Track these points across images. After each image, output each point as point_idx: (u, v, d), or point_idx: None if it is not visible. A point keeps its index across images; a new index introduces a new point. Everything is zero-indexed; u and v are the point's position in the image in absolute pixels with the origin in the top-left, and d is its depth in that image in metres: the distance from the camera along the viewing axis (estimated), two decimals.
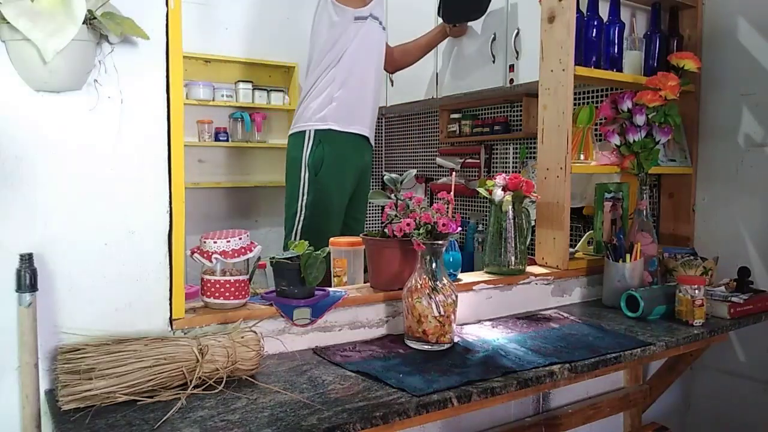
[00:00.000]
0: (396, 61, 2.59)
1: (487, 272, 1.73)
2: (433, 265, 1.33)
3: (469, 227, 3.00)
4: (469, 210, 3.21)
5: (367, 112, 2.25)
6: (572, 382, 1.47)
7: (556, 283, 1.80)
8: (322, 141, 2.15)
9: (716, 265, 1.89)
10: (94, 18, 1.03)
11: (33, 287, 1.04)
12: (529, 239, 1.77)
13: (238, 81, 3.57)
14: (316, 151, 2.15)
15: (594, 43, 1.89)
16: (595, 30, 1.89)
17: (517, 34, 2.40)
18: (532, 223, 1.84)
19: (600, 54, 1.91)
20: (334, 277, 1.61)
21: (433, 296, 1.31)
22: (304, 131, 2.17)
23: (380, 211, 1.69)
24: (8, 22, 0.97)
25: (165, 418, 0.97)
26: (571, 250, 1.92)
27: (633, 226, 1.87)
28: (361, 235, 1.55)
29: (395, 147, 3.89)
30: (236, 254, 1.27)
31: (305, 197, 2.16)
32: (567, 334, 1.49)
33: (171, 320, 1.20)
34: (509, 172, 2.90)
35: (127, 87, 1.14)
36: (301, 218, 2.16)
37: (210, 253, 1.26)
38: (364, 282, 1.60)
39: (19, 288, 1.03)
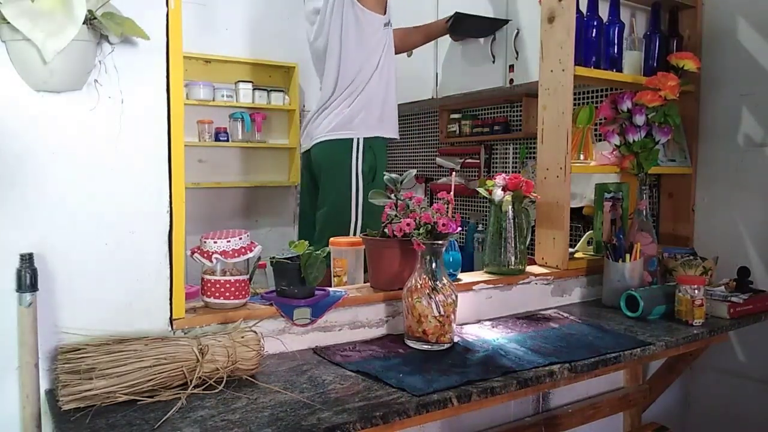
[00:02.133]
0: (396, 47, 2.57)
1: (487, 272, 1.73)
2: (433, 265, 1.33)
3: (469, 227, 3.00)
4: (469, 210, 3.21)
5: (396, 115, 2.27)
6: (572, 382, 1.47)
7: (556, 283, 1.80)
8: (371, 147, 2.16)
9: (716, 265, 1.88)
10: (95, 18, 1.04)
11: (33, 287, 1.04)
12: (528, 239, 1.77)
13: (238, 81, 3.57)
14: (368, 158, 2.14)
15: (594, 43, 1.89)
16: (594, 30, 1.88)
17: (517, 34, 2.40)
18: (532, 223, 1.84)
19: (600, 54, 1.91)
20: (334, 277, 1.61)
21: (433, 296, 1.31)
22: (351, 138, 2.14)
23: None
24: (8, 22, 0.97)
25: (165, 417, 0.97)
26: (571, 250, 1.92)
27: (633, 226, 1.87)
28: (361, 235, 1.55)
29: (395, 147, 3.88)
30: (236, 254, 1.27)
31: (361, 204, 2.13)
32: (567, 333, 1.49)
33: (171, 320, 1.20)
34: (509, 172, 2.90)
35: (127, 87, 1.14)
36: (358, 225, 2.12)
37: (210, 253, 1.27)
38: (364, 282, 1.60)
39: (20, 288, 1.03)
